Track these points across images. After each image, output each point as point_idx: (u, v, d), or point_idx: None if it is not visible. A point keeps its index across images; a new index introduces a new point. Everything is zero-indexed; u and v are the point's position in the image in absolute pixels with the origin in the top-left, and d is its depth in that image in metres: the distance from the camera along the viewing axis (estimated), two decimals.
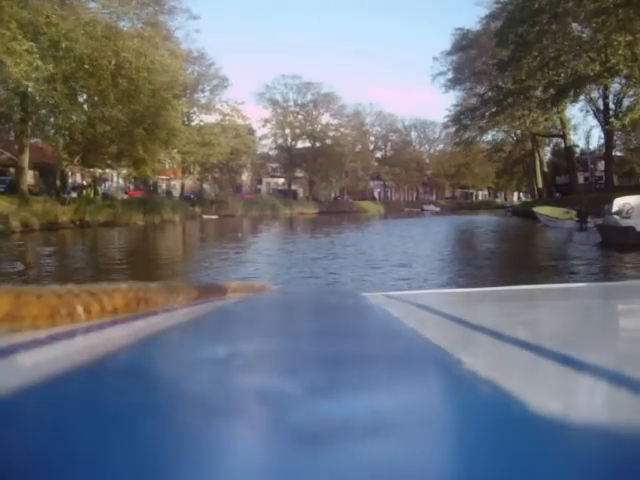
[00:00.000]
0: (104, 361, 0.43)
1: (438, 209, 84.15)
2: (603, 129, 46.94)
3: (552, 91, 35.00)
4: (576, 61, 33.76)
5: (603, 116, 38.64)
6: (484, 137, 53.96)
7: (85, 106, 33.22)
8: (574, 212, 24.68)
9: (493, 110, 44.44)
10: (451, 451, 0.23)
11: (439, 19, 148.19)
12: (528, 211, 38.77)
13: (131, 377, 0.39)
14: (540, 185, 49.63)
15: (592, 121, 45.52)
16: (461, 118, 49.89)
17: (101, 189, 43.86)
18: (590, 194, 33.38)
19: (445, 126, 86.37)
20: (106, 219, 33.48)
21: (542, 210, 26.80)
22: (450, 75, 57.09)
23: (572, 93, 33.75)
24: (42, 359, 0.50)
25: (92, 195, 39.57)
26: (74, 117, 31.10)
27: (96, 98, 30.34)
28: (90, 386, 0.35)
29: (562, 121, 42.88)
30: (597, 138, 48.58)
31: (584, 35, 33.98)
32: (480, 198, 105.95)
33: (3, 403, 0.30)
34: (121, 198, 42.59)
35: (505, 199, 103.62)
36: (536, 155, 49.18)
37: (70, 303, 0.66)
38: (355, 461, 0.21)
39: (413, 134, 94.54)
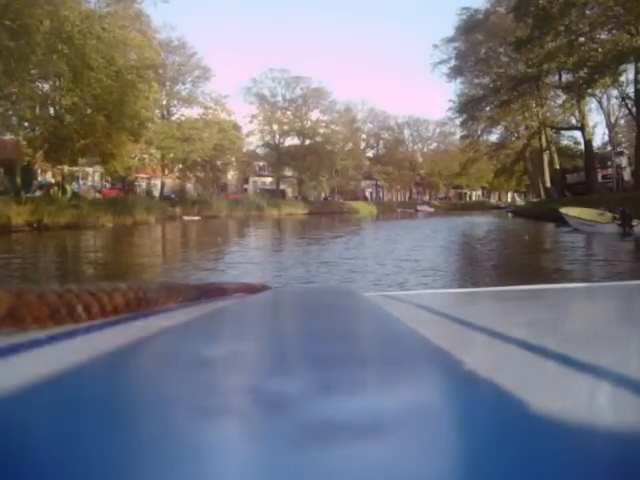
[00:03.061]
0: (104, 361, 0.43)
1: (432, 210, 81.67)
2: (606, 123, 43.59)
3: (582, 72, 30.71)
4: (612, 35, 29.45)
5: (636, 104, 34.49)
6: (487, 133, 50.07)
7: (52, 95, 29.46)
8: (609, 214, 21.33)
9: (505, 98, 40.52)
10: (451, 452, 0.23)
11: (436, 10, 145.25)
12: (537, 212, 35.64)
13: (131, 377, 0.39)
14: (548, 184, 46.22)
15: (597, 117, 41.39)
16: (469, 108, 45.69)
17: (71, 187, 40.22)
18: (615, 193, 30.04)
19: (441, 124, 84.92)
20: (69, 221, 29.79)
21: (571, 212, 23.24)
22: (452, 63, 52.41)
23: (611, 71, 29.30)
24: (42, 359, 0.50)
25: (60, 194, 36.06)
26: (24, 104, 27.07)
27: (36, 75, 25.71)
28: (90, 386, 0.35)
29: (581, 111, 38.92)
30: (601, 135, 44.62)
31: (617, 8, 29.68)
32: (474, 198, 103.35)
33: (3, 403, 0.30)
34: (93, 198, 39.10)
35: (499, 199, 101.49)
36: (545, 151, 45.53)
37: (70, 303, 0.66)
38: (354, 462, 0.21)
39: (406, 132, 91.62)
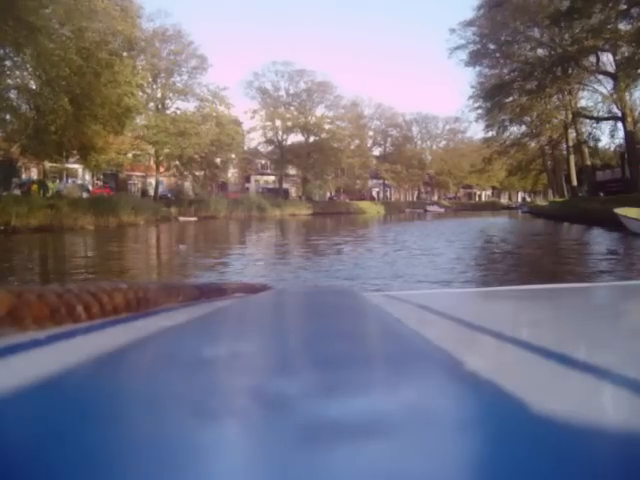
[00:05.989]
0: (104, 361, 0.43)
1: (442, 210, 78.78)
2: None
3: None
4: None
5: None
6: (516, 124, 45.45)
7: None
8: None
9: (537, 83, 36.16)
10: (452, 452, 0.23)
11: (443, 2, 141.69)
12: (564, 213, 32.23)
13: (131, 377, 0.39)
14: (575, 182, 42.47)
15: (617, 112, 37.35)
16: (495, 94, 41.08)
17: (54, 185, 36.92)
18: None
19: (452, 120, 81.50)
20: (42, 223, 26.44)
21: (630, 212, 19.80)
22: (468, 50, 47.33)
23: None
24: (42, 359, 0.50)
25: (41, 193, 32.81)
26: None
27: None
28: (90, 386, 0.35)
29: (622, 99, 34.29)
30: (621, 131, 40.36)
31: None
32: (483, 199, 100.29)
33: (3, 403, 0.30)
34: (78, 196, 35.79)
35: (509, 199, 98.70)
36: (581, 144, 41.47)
37: (70, 303, 0.67)
38: (355, 462, 0.21)
39: (414, 129, 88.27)
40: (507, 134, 48.16)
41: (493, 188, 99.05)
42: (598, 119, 39.91)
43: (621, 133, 38.10)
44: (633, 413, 0.37)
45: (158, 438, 0.24)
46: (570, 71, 34.41)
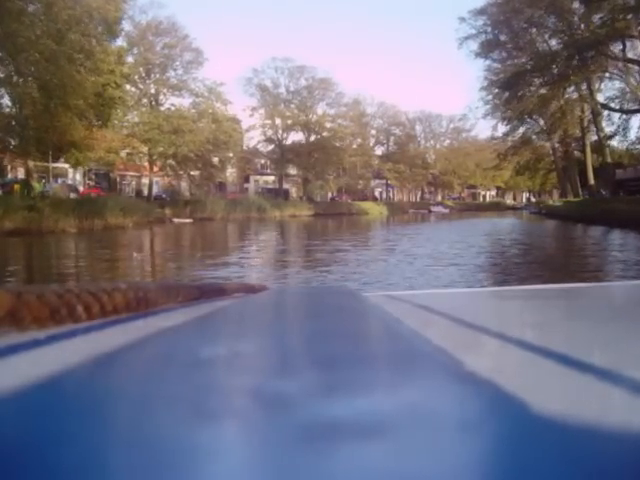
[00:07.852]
0: (104, 361, 0.43)
1: (447, 210, 77.10)
2: None
3: None
4: None
5: None
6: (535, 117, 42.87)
7: None
8: None
9: (559, 72, 33.66)
10: (453, 453, 0.23)
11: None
12: (583, 214, 30.30)
13: (131, 377, 0.39)
14: (592, 181, 40.22)
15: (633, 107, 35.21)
16: (512, 84, 38.09)
17: (40, 186, 34.93)
18: None
19: (460, 117, 79.47)
20: (19, 225, 24.49)
21: None
22: (478, 41, 44.85)
23: None
24: (42, 359, 0.51)
25: (25, 193, 30.88)
26: None
27: None
28: (90, 386, 0.35)
29: None
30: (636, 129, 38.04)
31: None
32: (487, 199, 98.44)
33: (3, 403, 0.30)
34: (65, 197, 33.83)
35: (514, 199, 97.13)
36: (588, 143, 39.37)
37: (70, 303, 0.67)
38: (355, 462, 0.21)
39: (418, 128, 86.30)
40: (522, 129, 45.95)
41: (498, 188, 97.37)
42: (625, 112, 37.47)
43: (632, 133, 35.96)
44: (634, 413, 0.37)
45: (158, 438, 0.24)
46: (594, 59, 32.08)
